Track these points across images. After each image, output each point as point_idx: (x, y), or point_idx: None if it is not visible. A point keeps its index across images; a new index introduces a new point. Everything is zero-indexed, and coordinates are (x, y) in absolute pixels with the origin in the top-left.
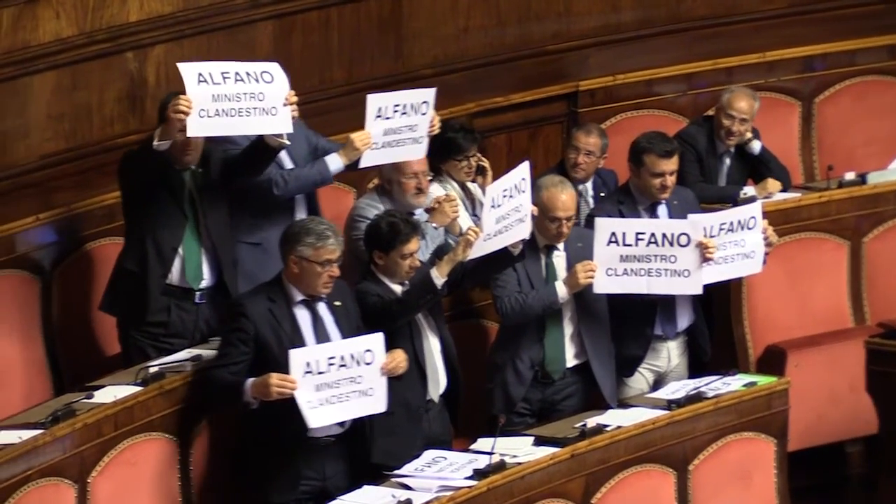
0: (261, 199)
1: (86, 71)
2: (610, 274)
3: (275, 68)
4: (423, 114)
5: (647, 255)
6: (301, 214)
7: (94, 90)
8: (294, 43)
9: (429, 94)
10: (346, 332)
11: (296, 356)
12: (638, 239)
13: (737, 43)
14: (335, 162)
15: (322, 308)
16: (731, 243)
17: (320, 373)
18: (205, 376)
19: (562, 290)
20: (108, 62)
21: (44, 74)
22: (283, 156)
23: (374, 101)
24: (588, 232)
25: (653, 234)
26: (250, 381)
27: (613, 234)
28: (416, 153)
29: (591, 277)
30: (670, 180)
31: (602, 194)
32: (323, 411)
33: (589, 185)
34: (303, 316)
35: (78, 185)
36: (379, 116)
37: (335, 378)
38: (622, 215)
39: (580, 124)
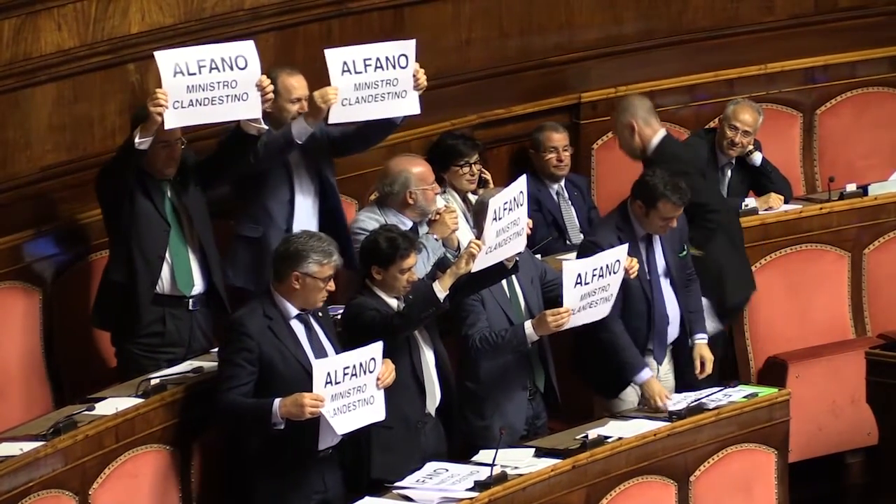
0: (239, 170)
1: (87, 82)
2: (574, 312)
3: (249, 51)
4: (404, 67)
5: (597, 287)
6: (303, 210)
7: (96, 102)
8: (296, 55)
9: (408, 46)
10: (333, 341)
11: (319, 367)
12: (594, 275)
13: (738, 55)
14: (298, 123)
15: (313, 320)
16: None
17: (337, 383)
18: (220, 403)
19: (530, 332)
20: (110, 74)
21: (45, 86)
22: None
23: (336, 55)
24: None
25: (603, 266)
26: (278, 401)
27: (579, 275)
28: (404, 108)
29: (562, 326)
30: (675, 222)
31: (576, 194)
32: (340, 420)
33: (563, 184)
34: (299, 329)
35: (79, 196)
36: (347, 71)
37: (347, 388)
38: (621, 242)
39: (548, 125)
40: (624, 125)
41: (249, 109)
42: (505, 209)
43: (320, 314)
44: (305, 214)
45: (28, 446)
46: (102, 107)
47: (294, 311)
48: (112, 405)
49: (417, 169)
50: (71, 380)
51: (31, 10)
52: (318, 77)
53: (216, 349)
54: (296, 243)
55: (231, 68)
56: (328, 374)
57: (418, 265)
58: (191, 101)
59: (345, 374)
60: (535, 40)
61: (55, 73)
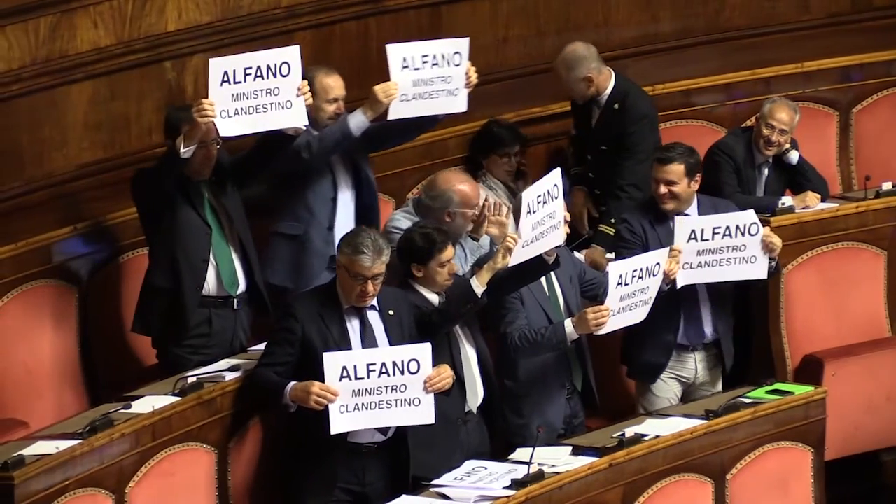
0: (292, 168)
1: (123, 80)
2: (612, 314)
3: (294, 57)
4: (457, 65)
5: (637, 289)
6: (344, 207)
7: (132, 100)
8: (333, 53)
9: (462, 44)
10: (396, 343)
11: (330, 360)
12: (633, 276)
13: (775, 53)
14: (356, 116)
15: (373, 316)
16: (729, 248)
17: (358, 378)
18: (253, 375)
19: (570, 330)
20: (146, 72)
21: (81, 84)
22: None
23: (397, 50)
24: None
25: (643, 268)
26: (291, 384)
27: (620, 276)
28: (454, 106)
29: (602, 324)
30: (672, 189)
31: None
32: (354, 417)
33: None
34: (353, 322)
35: (115, 195)
36: (406, 67)
37: (375, 385)
38: (651, 225)
39: None
40: (580, 79)
41: (295, 117)
42: (539, 202)
43: (390, 312)
44: (345, 211)
45: (64, 444)
46: (139, 105)
47: (346, 303)
48: (148, 403)
49: (463, 188)
50: (106, 378)
51: (67, 8)
52: (356, 75)
53: (252, 347)
54: (350, 231)
55: (275, 75)
56: (344, 367)
57: (457, 264)
58: (236, 109)
59: (370, 371)
60: (573, 38)
61: (91, 70)
